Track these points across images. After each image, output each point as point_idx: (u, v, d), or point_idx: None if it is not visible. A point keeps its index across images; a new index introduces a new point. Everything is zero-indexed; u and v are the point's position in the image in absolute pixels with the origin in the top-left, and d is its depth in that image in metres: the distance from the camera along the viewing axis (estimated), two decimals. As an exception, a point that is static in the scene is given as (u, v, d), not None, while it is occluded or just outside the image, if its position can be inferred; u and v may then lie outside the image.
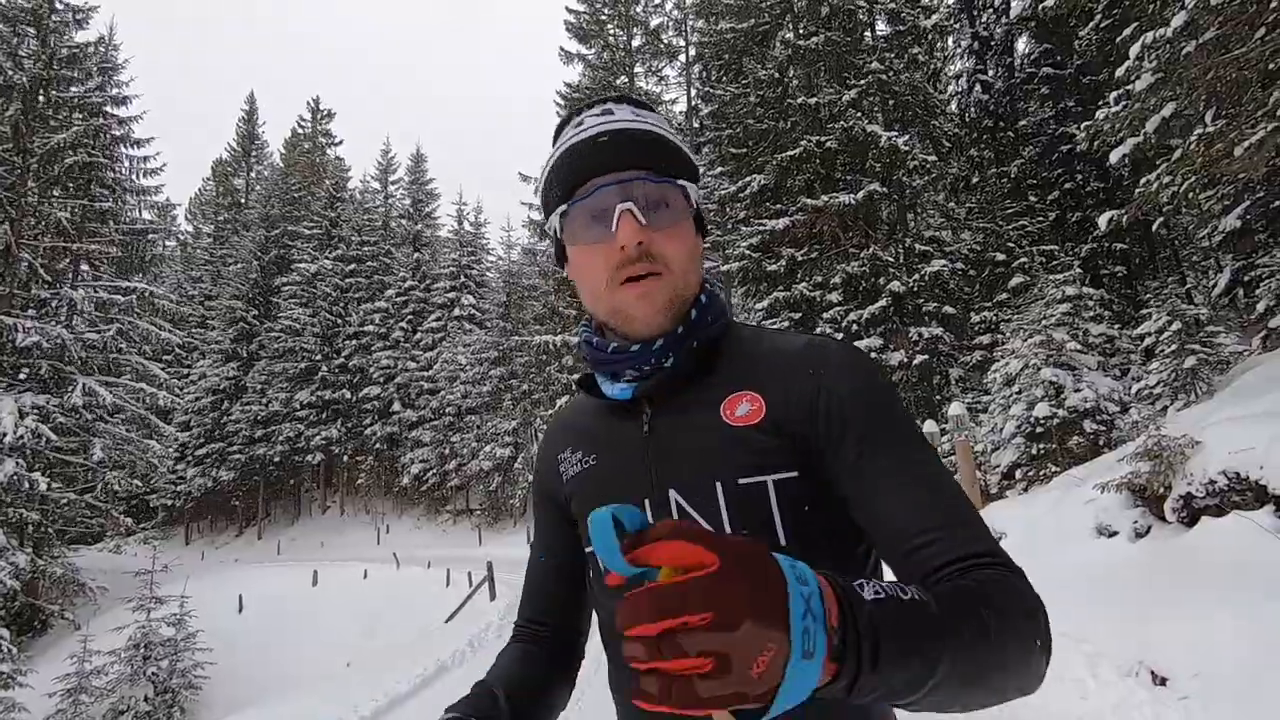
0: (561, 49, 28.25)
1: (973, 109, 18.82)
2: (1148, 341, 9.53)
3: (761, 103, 16.62)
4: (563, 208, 0.80)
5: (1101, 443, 8.29)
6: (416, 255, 39.08)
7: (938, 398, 14.14)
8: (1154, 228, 13.09)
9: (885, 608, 0.48)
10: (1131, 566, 4.63)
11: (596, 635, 0.88)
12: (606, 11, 27.88)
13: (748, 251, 15.59)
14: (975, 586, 0.60)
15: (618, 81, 26.71)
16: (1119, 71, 7.47)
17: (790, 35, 16.07)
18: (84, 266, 21.97)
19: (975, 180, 18.16)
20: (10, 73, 19.94)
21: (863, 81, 15.21)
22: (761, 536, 0.73)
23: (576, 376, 1.09)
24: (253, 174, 55.04)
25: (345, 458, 37.15)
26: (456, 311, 35.26)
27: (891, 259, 15.08)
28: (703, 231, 0.87)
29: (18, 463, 16.89)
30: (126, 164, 25.71)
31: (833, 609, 0.45)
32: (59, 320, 20.31)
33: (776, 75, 16.49)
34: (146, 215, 26.41)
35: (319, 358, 37.43)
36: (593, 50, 28.12)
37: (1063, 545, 5.32)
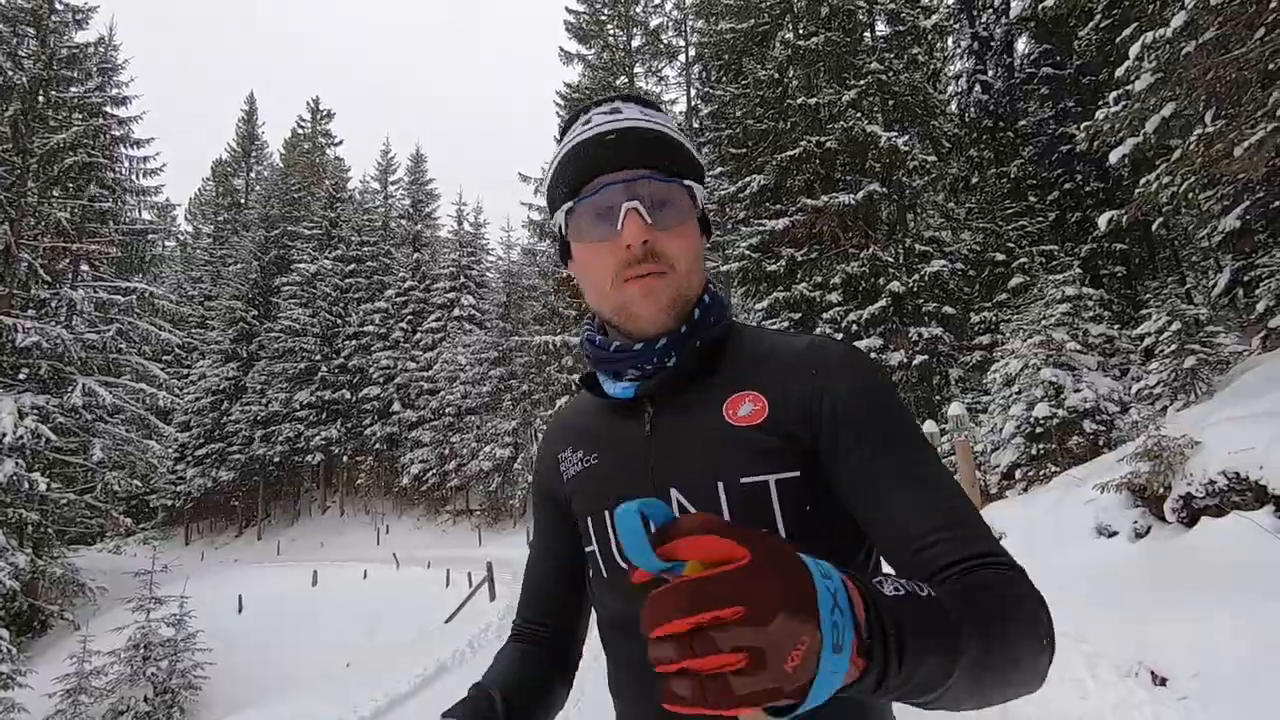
0: (561, 49, 28.30)
1: (972, 109, 18.80)
2: (1147, 341, 9.52)
3: (761, 103, 16.61)
4: (568, 205, 0.80)
5: (1101, 443, 8.28)
6: (416, 255, 39.02)
7: (938, 398, 14.13)
8: (1154, 228, 13.11)
9: (907, 604, 0.48)
10: (1131, 566, 4.62)
11: (597, 636, 0.88)
12: (606, 12, 27.92)
13: (747, 252, 15.58)
14: (984, 586, 0.60)
15: (617, 82, 26.72)
16: (1119, 72, 7.46)
17: (790, 35, 16.06)
18: (84, 267, 21.95)
19: (975, 180, 18.14)
20: (10, 73, 19.94)
21: (862, 82, 15.21)
22: None
23: (577, 376, 1.09)
24: (252, 174, 55.04)
25: (345, 458, 37.13)
26: (456, 312, 35.22)
27: (891, 259, 15.06)
28: (707, 232, 0.87)
29: (17, 463, 16.89)
30: (126, 164, 25.70)
31: (858, 604, 0.45)
32: (59, 320, 20.31)
33: (776, 75, 16.48)
34: (146, 215, 26.43)
35: (319, 358, 37.41)
36: (593, 50, 28.16)
37: (1062, 545, 5.32)
